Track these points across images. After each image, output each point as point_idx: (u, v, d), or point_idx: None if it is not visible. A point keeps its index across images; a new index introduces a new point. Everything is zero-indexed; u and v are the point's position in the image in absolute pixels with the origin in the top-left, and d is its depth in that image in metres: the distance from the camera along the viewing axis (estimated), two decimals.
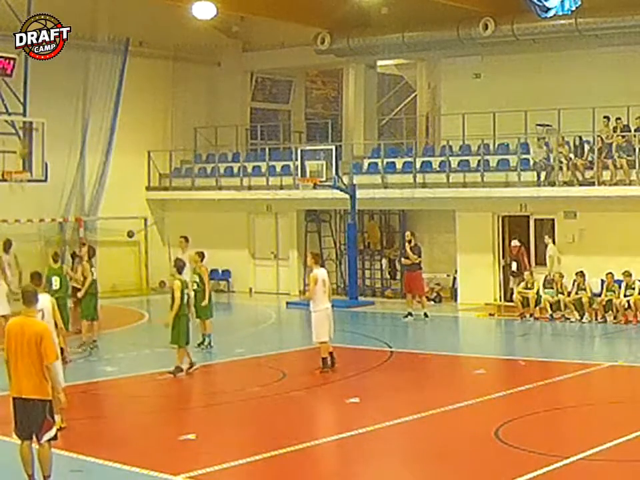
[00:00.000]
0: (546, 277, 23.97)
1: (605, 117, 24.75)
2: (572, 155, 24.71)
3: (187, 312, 17.02)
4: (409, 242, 24.32)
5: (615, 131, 24.44)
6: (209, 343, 19.25)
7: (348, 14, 29.11)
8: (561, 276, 23.49)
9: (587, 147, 24.77)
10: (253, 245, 30.93)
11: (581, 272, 23.14)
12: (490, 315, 24.65)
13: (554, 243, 24.93)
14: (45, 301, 12.58)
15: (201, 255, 19.50)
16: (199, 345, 19.05)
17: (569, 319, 23.01)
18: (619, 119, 24.61)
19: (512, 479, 10.43)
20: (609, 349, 20.64)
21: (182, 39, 31.73)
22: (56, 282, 18.58)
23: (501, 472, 10.97)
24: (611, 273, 22.76)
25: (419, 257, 24.12)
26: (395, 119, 34.88)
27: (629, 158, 23.68)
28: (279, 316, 26.38)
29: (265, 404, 14.93)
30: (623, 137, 24.09)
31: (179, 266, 17.21)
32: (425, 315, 23.81)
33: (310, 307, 17.12)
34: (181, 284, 16.77)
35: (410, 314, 23.72)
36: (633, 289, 22.52)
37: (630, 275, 22.55)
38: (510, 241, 25.97)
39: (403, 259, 24.90)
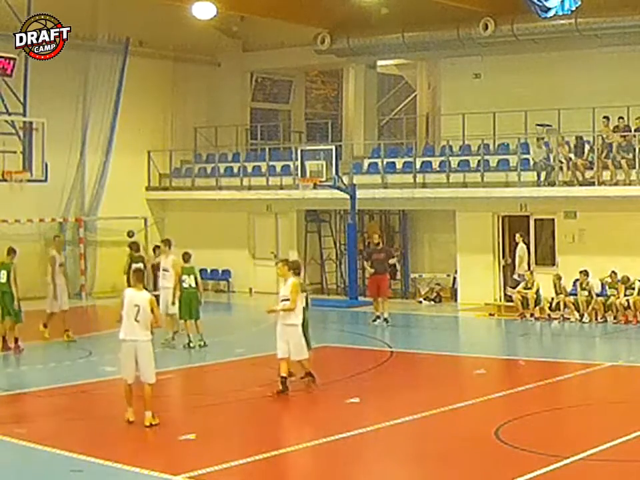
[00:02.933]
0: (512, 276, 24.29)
1: (604, 117, 24.75)
2: (572, 155, 24.70)
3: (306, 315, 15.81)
4: (377, 245, 23.86)
5: (614, 131, 24.43)
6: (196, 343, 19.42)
7: (348, 14, 29.14)
8: (559, 277, 23.53)
9: (587, 147, 24.75)
10: (253, 245, 30.92)
11: (585, 271, 23.10)
12: (490, 314, 24.63)
13: (525, 242, 24.93)
14: (142, 299, 12.98)
15: (187, 255, 19.62)
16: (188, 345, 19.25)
17: (568, 318, 23.02)
18: (622, 118, 24.61)
19: (512, 479, 10.43)
20: (609, 348, 20.62)
21: (182, 39, 31.73)
22: (4, 276, 18.87)
23: (501, 472, 10.97)
24: (614, 271, 22.77)
25: (391, 259, 23.89)
26: (395, 119, 34.87)
27: (628, 158, 23.67)
28: None
29: (264, 404, 14.92)
30: (624, 136, 24.09)
31: (295, 267, 15.88)
32: (386, 319, 23.11)
33: (286, 320, 15.00)
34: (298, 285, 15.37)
35: (379, 317, 23.11)
36: (633, 288, 22.52)
37: (628, 280, 22.56)
38: (511, 241, 25.99)
39: (369, 262, 23.56)
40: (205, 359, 18.57)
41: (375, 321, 23.19)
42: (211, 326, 20.08)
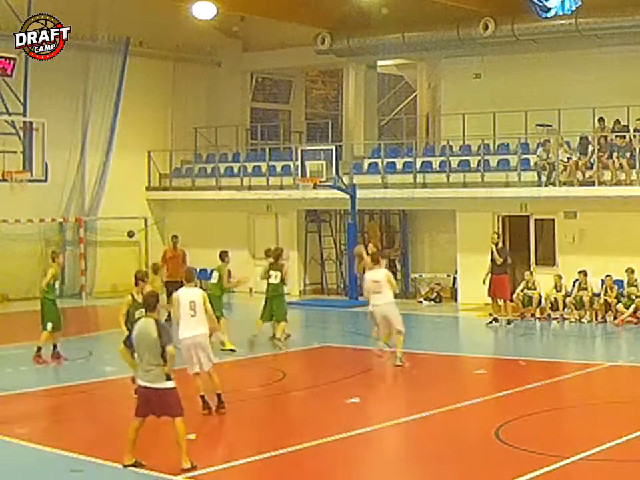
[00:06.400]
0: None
1: (599, 119, 24.77)
2: (572, 155, 24.69)
3: None
4: (496, 245, 22.69)
5: (606, 131, 24.42)
6: None
7: (348, 14, 29.15)
8: (560, 277, 23.54)
9: (590, 148, 24.73)
10: (253, 245, 30.89)
11: (584, 271, 23.11)
12: (490, 315, 24.58)
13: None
14: None
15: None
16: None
17: (568, 318, 23.02)
18: (618, 121, 24.61)
19: (512, 479, 10.43)
20: (609, 349, 20.63)
21: (182, 39, 31.74)
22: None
23: (501, 472, 10.97)
24: (609, 275, 22.79)
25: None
26: (395, 119, 34.90)
27: (627, 158, 23.67)
28: None
29: (265, 404, 14.93)
30: (622, 137, 24.08)
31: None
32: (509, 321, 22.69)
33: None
34: None
35: (496, 320, 22.71)
36: (635, 286, 22.49)
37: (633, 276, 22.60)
38: (510, 241, 26.00)
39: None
40: None
41: (490, 323, 22.71)
42: None
